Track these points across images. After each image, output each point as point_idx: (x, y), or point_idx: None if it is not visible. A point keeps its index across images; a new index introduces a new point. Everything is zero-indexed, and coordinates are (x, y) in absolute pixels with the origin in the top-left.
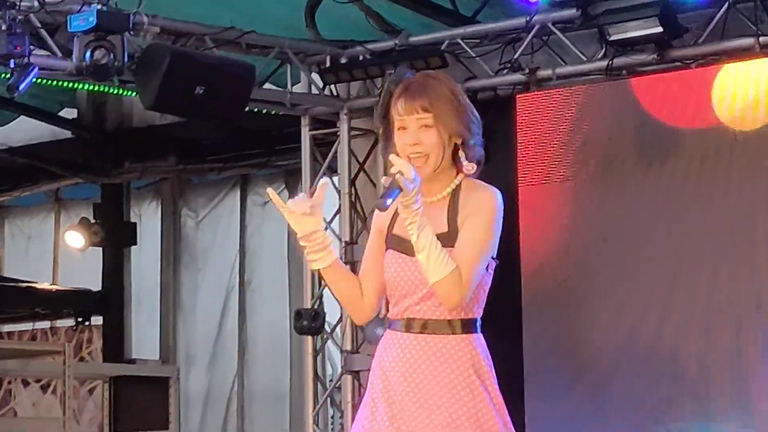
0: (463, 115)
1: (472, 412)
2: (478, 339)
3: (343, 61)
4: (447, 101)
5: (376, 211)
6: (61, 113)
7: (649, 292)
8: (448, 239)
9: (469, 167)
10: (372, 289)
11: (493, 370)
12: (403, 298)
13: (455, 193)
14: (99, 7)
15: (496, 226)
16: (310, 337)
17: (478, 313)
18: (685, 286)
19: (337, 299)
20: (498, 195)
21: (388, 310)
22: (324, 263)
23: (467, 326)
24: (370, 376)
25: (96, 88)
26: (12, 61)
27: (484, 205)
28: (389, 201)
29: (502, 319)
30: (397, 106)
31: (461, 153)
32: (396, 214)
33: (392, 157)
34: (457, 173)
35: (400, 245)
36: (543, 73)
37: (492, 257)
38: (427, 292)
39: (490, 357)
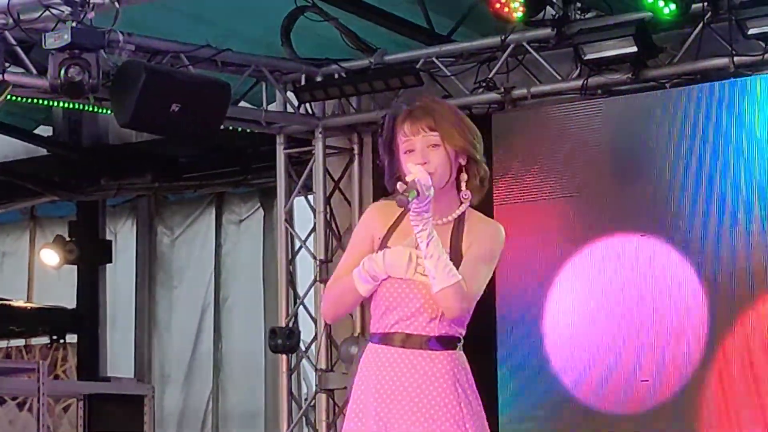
0: (467, 133)
1: (459, 424)
2: (461, 356)
3: (319, 79)
4: (451, 120)
5: (372, 218)
6: (37, 131)
7: (625, 312)
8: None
9: (466, 194)
10: None
11: (474, 388)
12: (391, 312)
13: (460, 220)
14: (73, 24)
15: (496, 257)
16: (284, 356)
17: (460, 333)
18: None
19: (337, 303)
20: (503, 231)
21: (363, 328)
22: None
23: (450, 343)
24: (354, 387)
25: (71, 105)
26: None
27: (490, 235)
28: (409, 200)
29: (475, 339)
30: (404, 128)
31: (463, 176)
32: (393, 228)
33: (410, 165)
34: (462, 201)
35: None
36: (518, 92)
37: None
38: (418, 308)
39: (470, 375)
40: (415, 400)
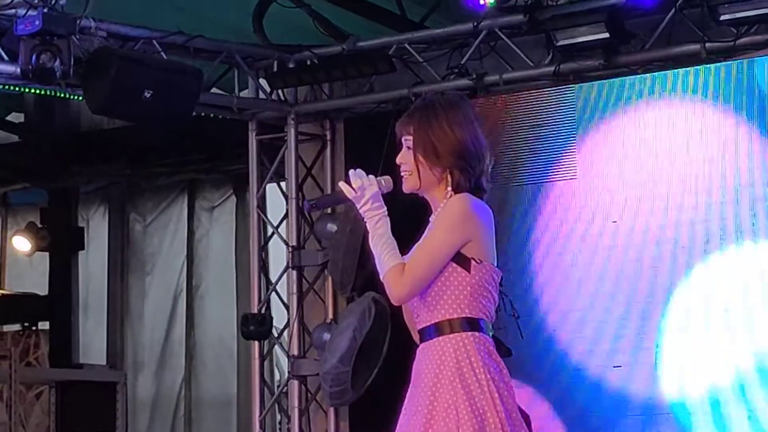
0: (446, 146)
1: (448, 411)
2: (471, 337)
3: (291, 65)
4: (429, 130)
5: None
6: (9, 117)
7: (599, 293)
8: None
9: (448, 195)
10: None
11: (490, 368)
12: (415, 313)
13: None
14: (45, 10)
15: (448, 227)
16: (256, 342)
17: (467, 313)
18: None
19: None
20: (462, 200)
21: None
22: None
23: (455, 326)
24: None
25: (42, 92)
26: None
27: (442, 210)
28: (313, 205)
29: None
30: (398, 124)
31: (448, 177)
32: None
33: (350, 171)
34: (446, 191)
35: None
36: (490, 78)
37: (477, 260)
38: (419, 304)
39: (485, 354)
40: (417, 390)
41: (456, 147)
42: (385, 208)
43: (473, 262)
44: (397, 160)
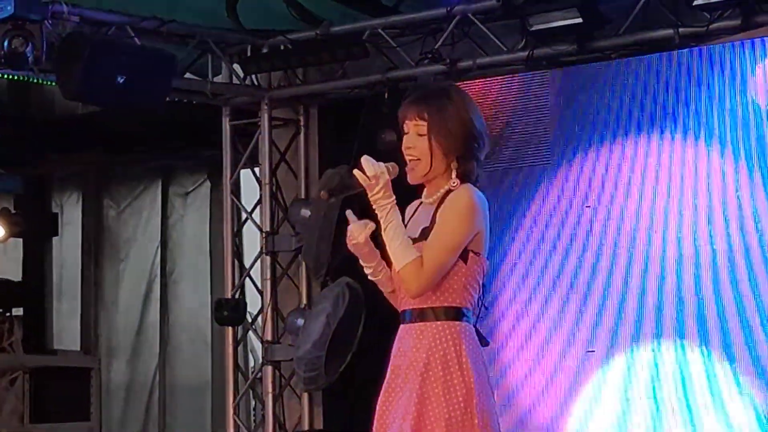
0: (459, 132)
1: (444, 394)
2: (458, 326)
3: (265, 51)
4: (445, 116)
5: (406, 210)
6: None
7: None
8: (426, 234)
9: (454, 183)
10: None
11: (479, 361)
12: (400, 291)
13: (446, 196)
14: None
15: (460, 219)
16: (230, 328)
17: (458, 302)
18: (604, 276)
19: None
20: (471, 191)
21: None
22: (377, 276)
23: (446, 313)
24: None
25: (15, 78)
26: None
27: (452, 201)
28: (333, 194)
29: None
30: (403, 109)
31: (454, 164)
32: (410, 219)
33: (363, 158)
34: (449, 178)
35: None
36: (463, 63)
37: (475, 252)
38: None
39: (471, 345)
40: (402, 369)
41: (470, 134)
42: (395, 198)
43: (471, 254)
44: (406, 145)
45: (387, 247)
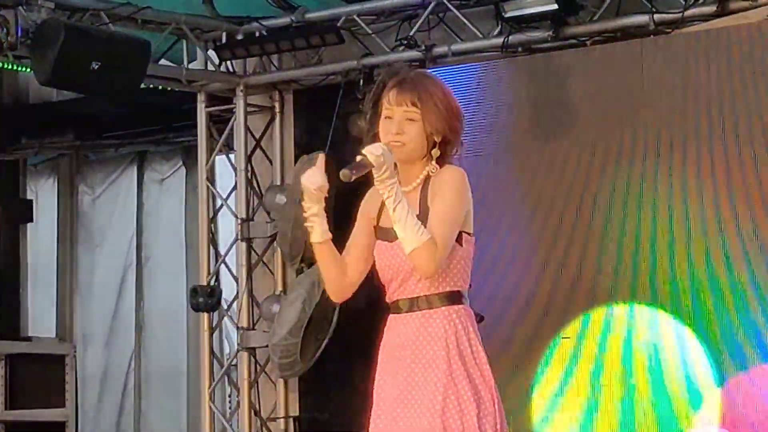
0: (449, 116)
1: (449, 385)
2: (463, 310)
3: (240, 37)
4: (436, 101)
5: (366, 199)
6: None
7: (547, 265)
8: (420, 220)
9: (435, 168)
10: (355, 269)
11: (480, 343)
12: (391, 283)
13: (427, 181)
14: None
15: (459, 197)
16: (206, 314)
17: (460, 286)
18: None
19: (322, 275)
20: (460, 171)
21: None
22: (321, 238)
23: (450, 298)
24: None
25: None
26: None
27: (447, 180)
28: (354, 173)
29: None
30: (389, 96)
31: (435, 151)
32: (383, 206)
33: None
34: (428, 163)
35: (384, 234)
36: (439, 49)
37: (468, 233)
38: (407, 272)
39: (476, 329)
40: (407, 361)
41: (455, 117)
42: (395, 177)
43: (465, 235)
44: (392, 131)
45: (396, 227)
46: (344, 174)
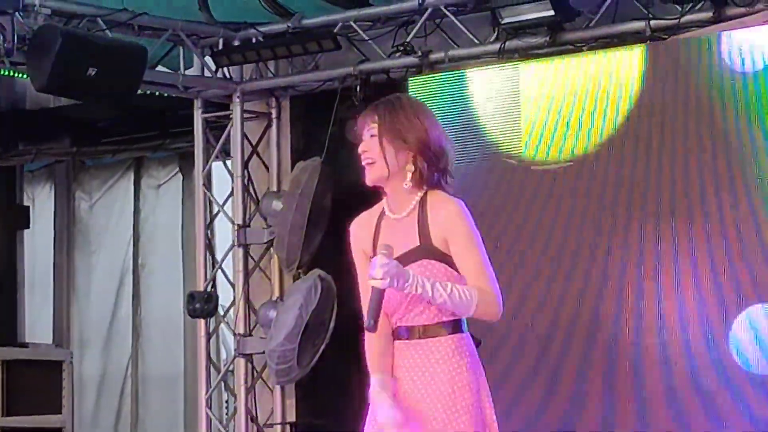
0: (411, 133)
1: (460, 406)
2: (465, 338)
3: (236, 43)
4: (395, 117)
5: (353, 236)
6: None
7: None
8: (421, 252)
9: (407, 184)
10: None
11: (482, 374)
12: (394, 312)
13: (422, 207)
14: None
15: (474, 231)
16: (203, 320)
17: (457, 315)
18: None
19: None
20: (462, 204)
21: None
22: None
23: (454, 327)
24: None
25: None
26: None
27: (456, 221)
28: (372, 321)
29: None
30: (359, 120)
31: (409, 167)
32: (375, 238)
33: (373, 262)
34: (420, 189)
35: None
36: (435, 55)
37: None
38: (409, 302)
39: (476, 356)
40: (422, 389)
41: (421, 134)
42: (406, 270)
43: None
44: (360, 149)
45: (441, 302)
46: (367, 326)
